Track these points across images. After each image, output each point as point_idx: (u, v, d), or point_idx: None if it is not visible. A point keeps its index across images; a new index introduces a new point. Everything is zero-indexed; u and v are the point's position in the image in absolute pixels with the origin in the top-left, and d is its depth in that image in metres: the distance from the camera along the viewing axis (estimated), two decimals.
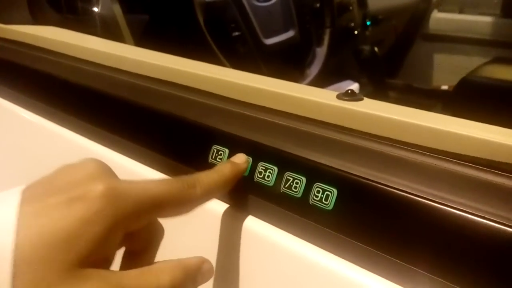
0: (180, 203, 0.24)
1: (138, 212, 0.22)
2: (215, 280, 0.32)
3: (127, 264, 0.25)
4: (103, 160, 0.23)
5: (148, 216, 0.23)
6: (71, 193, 0.20)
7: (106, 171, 0.22)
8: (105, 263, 0.21)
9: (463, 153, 0.27)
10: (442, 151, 0.27)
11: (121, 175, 0.23)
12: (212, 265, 0.25)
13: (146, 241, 0.25)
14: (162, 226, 0.26)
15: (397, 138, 0.29)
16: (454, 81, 1.19)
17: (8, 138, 0.57)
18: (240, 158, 0.31)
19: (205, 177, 0.26)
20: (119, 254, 0.24)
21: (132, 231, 0.22)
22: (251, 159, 0.31)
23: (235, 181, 0.29)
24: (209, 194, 0.26)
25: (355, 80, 1.38)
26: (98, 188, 0.20)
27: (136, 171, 0.38)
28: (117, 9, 0.86)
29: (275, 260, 0.29)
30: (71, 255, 0.19)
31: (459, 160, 0.26)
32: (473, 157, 0.26)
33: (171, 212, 0.24)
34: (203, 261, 0.24)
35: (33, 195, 0.20)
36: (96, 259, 0.20)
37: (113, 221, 0.20)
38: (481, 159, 0.26)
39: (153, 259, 0.26)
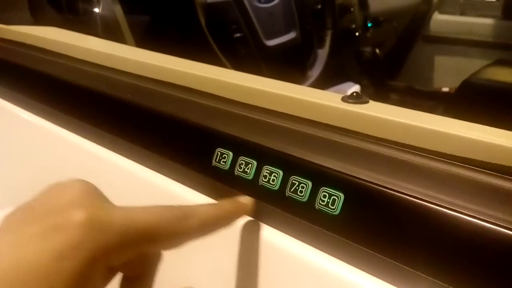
0: (172, 235, 0.22)
1: (123, 244, 0.20)
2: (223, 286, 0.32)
3: None
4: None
5: (135, 249, 0.21)
6: (48, 221, 0.19)
7: (91, 195, 0.21)
8: None
9: (471, 157, 0.26)
10: (450, 155, 0.27)
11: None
12: None
13: (140, 268, 0.24)
14: (158, 251, 0.24)
15: (404, 142, 0.29)
16: (455, 83, 1.19)
17: (8, 139, 0.57)
18: (245, 199, 0.29)
19: (202, 209, 0.25)
20: (117, 278, 0.23)
21: (117, 263, 0.21)
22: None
23: (235, 219, 0.27)
24: (205, 227, 0.24)
25: (356, 81, 1.38)
26: (77, 216, 0.19)
27: (138, 174, 0.38)
28: (118, 10, 0.85)
29: (280, 265, 0.29)
30: None
31: (467, 164, 0.26)
32: (481, 161, 0.26)
33: (162, 245, 0.23)
34: None
35: (12, 223, 0.19)
36: None
37: (92, 255, 0.19)
38: (489, 163, 0.26)
39: (151, 284, 0.24)
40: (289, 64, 1.26)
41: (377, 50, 1.54)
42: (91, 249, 0.19)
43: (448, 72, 1.72)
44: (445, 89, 1.61)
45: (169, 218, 0.22)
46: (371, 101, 0.33)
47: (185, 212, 0.23)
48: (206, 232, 0.25)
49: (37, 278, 0.17)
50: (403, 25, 1.78)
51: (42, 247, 0.18)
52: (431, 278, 0.23)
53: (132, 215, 0.21)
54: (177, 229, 0.22)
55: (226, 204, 0.27)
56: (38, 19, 0.77)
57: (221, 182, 0.32)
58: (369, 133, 0.30)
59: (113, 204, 0.22)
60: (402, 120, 0.29)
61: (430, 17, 1.80)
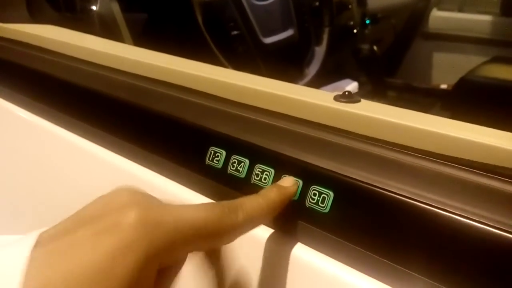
0: (220, 232, 0.22)
1: (175, 242, 0.20)
2: None
3: None
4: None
5: (185, 248, 0.21)
6: (100, 224, 0.19)
7: (139, 197, 0.21)
8: None
9: (459, 156, 0.27)
10: (439, 154, 0.27)
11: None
12: None
13: None
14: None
15: (394, 141, 0.29)
16: (453, 80, 1.20)
17: (5, 138, 0.57)
18: (288, 181, 0.28)
19: (248, 202, 0.24)
20: None
21: (168, 263, 0.21)
22: (301, 182, 0.28)
23: (282, 207, 0.27)
24: (253, 221, 0.24)
25: (354, 79, 1.38)
26: (129, 216, 0.19)
27: (133, 172, 0.38)
28: (115, 8, 0.86)
29: (269, 261, 0.29)
30: None
31: (455, 164, 0.26)
32: (469, 160, 0.26)
33: (210, 243, 0.22)
34: None
35: (62, 230, 0.19)
36: None
37: (147, 253, 0.18)
38: (477, 162, 0.26)
39: None
40: (286, 62, 1.26)
41: (375, 47, 1.54)
42: (145, 248, 0.18)
43: (446, 69, 1.73)
44: (443, 86, 1.62)
45: (217, 214, 0.22)
46: (362, 100, 0.33)
47: (232, 207, 0.23)
48: (254, 225, 0.25)
49: (93, 279, 0.17)
50: (401, 22, 1.78)
51: (95, 248, 0.18)
52: (418, 275, 0.24)
53: (182, 212, 0.21)
54: (225, 225, 0.22)
55: (272, 193, 0.26)
56: (35, 17, 0.77)
57: (214, 181, 0.33)
58: (360, 132, 0.30)
59: (161, 202, 0.21)
60: (392, 120, 0.29)
61: (428, 13, 1.80)
